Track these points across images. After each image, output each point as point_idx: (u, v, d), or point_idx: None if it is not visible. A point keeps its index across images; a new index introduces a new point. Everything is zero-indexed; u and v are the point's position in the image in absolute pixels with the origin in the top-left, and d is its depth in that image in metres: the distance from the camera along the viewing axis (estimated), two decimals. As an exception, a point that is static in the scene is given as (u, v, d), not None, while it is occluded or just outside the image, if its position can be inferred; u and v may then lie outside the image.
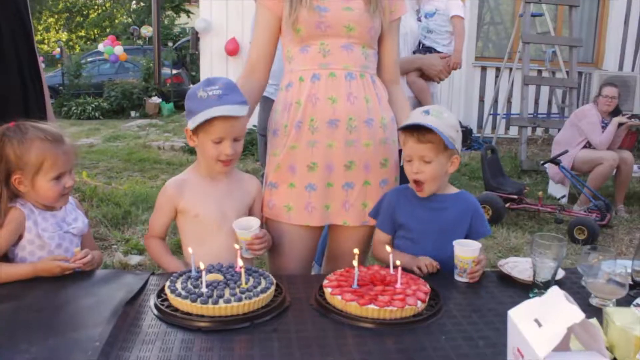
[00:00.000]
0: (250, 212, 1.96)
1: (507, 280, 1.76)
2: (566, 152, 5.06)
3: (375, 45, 2.00)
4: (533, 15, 7.91)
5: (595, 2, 9.10)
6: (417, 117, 1.80)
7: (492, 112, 8.49)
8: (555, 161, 4.97)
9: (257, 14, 2.00)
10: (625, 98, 8.18)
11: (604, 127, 5.33)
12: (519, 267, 1.83)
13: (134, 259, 3.70)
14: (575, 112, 5.66)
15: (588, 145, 5.37)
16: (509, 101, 8.42)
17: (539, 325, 0.99)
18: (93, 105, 12.53)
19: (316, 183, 1.93)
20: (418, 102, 2.93)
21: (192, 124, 1.77)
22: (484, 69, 8.76)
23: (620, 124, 5.30)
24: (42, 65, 2.10)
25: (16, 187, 1.67)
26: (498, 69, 8.54)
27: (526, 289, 1.66)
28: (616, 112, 5.42)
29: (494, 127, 8.52)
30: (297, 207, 1.94)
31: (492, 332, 1.38)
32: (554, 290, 1.03)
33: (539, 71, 8.52)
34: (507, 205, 4.87)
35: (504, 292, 1.67)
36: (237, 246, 1.66)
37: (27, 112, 1.87)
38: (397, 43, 2.09)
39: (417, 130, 1.76)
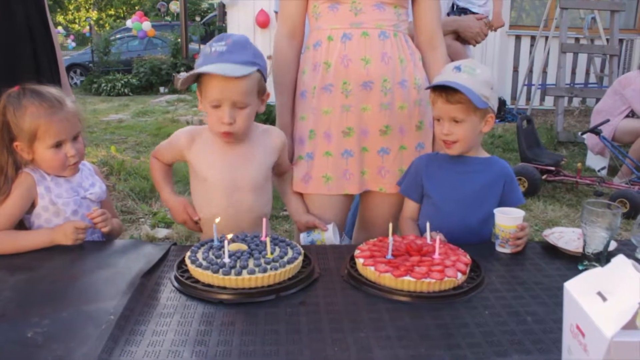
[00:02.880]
0: (276, 169, 1.84)
1: (553, 251, 1.62)
2: (607, 121, 4.82)
3: (406, 4, 1.86)
4: (571, -20, 7.58)
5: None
6: (447, 74, 1.67)
7: (526, 83, 8.19)
8: (595, 131, 4.74)
9: None
10: (669, 66, 7.82)
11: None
12: (565, 237, 1.69)
13: (161, 232, 3.64)
14: (619, 79, 5.39)
15: (631, 114, 5.12)
16: (544, 71, 8.11)
17: (604, 299, 0.86)
18: (122, 82, 12.54)
19: (352, 149, 1.83)
20: None
21: (185, 82, 1.62)
22: (518, 37, 8.44)
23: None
24: (56, 37, 2.00)
25: (19, 154, 1.60)
26: (533, 38, 8.21)
27: (575, 261, 1.53)
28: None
29: (528, 98, 8.24)
30: (336, 176, 1.85)
31: (540, 306, 1.26)
32: (620, 258, 0.90)
33: (577, 39, 8.18)
34: (543, 177, 4.68)
35: (551, 264, 1.53)
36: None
37: (39, 81, 1.79)
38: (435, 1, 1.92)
39: (445, 89, 1.62)
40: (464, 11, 2.85)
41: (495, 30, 2.89)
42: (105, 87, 12.49)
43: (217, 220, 1.48)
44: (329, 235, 1.81)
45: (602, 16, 7.65)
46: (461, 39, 2.73)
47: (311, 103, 1.84)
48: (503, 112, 7.96)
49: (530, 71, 8.17)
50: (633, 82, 5.11)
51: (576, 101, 8.42)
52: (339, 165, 1.85)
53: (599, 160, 5.45)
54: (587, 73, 8.47)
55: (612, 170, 5.29)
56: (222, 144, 1.70)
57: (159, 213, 3.97)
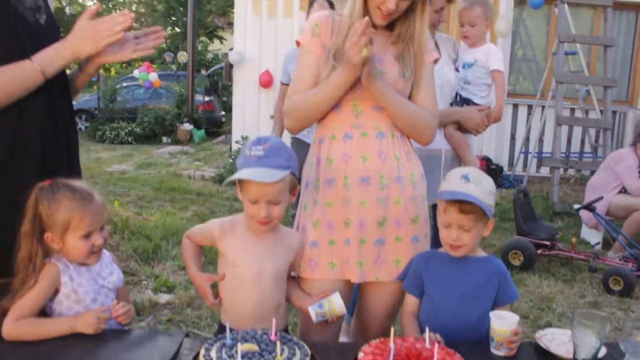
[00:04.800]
0: (291, 269, 1.98)
1: (545, 354, 1.71)
2: (601, 198, 4.96)
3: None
4: (567, 54, 7.86)
5: (630, 39, 8.99)
6: (456, 184, 1.80)
7: (523, 151, 8.39)
8: (589, 207, 4.88)
9: (303, 58, 2.00)
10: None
11: (641, 172, 5.23)
12: (557, 339, 1.78)
13: (163, 297, 3.71)
14: (612, 155, 5.57)
15: (624, 190, 5.26)
16: (540, 139, 8.32)
17: None
18: (126, 130, 12.77)
19: (351, 239, 1.94)
20: (456, 155, 2.90)
21: (227, 182, 1.82)
22: (515, 106, 8.69)
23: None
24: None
25: (49, 244, 1.70)
26: (530, 106, 8.47)
27: (566, 366, 1.62)
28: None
29: (525, 165, 8.42)
30: (340, 263, 1.96)
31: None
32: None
33: (572, 109, 8.43)
34: (539, 251, 4.78)
35: (543, 368, 1.62)
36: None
37: (70, 165, 1.90)
38: (432, 89, 2.04)
39: (459, 200, 1.76)
40: (466, 102, 2.99)
41: (494, 121, 3.03)
42: (109, 135, 12.71)
43: (228, 325, 1.58)
44: (338, 302, 1.89)
45: (596, 90, 7.90)
46: (463, 129, 2.87)
47: (314, 195, 1.97)
48: (500, 179, 8.13)
49: (527, 139, 8.39)
50: (625, 158, 5.28)
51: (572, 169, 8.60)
52: (341, 253, 1.96)
53: (594, 234, 5.57)
54: (583, 142, 8.67)
55: (607, 243, 5.39)
56: (252, 235, 1.87)
57: (161, 276, 4.04)
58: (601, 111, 7.41)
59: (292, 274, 2.02)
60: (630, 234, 5.04)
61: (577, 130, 8.63)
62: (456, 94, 2.98)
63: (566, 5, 7.55)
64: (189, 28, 12.87)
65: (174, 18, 26.75)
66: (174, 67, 18.56)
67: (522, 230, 4.86)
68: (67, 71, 1.90)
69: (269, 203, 1.79)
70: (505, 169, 8.50)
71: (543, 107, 8.11)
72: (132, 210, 6.02)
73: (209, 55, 25.41)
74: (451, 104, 2.93)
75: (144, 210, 6.20)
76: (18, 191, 1.65)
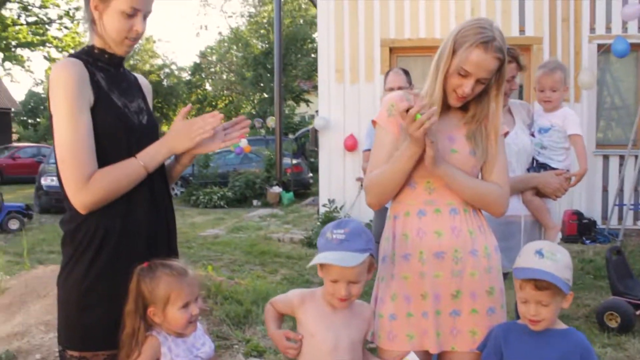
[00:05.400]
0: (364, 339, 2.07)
1: None
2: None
3: (478, 175, 2.10)
4: (658, 101, 7.61)
5: None
6: (531, 260, 1.87)
7: (617, 203, 8.05)
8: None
9: (379, 136, 2.12)
10: None
11: None
12: None
13: (254, 362, 3.87)
14: None
15: None
16: (636, 190, 7.96)
17: None
18: (219, 195, 13.40)
19: (428, 311, 2.02)
20: (535, 220, 2.90)
21: (311, 266, 1.94)
22: (606, 157, 8.41)
23: None
24: None
25: (152, 318, 1.90)
26: (622, 157, 8.16)
27: None
28: None
29: (620, 218, 8.05)
30: (418, 334, 2.03)
31: None
32: None
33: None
34: (637, 312, 4.56)
35: None
36: None
37: (169, 246, 2.11)
38: (503, 163, 2.11)
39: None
40: (543, 167, 2.98)
41: (573, 185, 2.98)
42: (203, 200, 13.36)
43: None
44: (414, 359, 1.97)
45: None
46: (541, 194, 2.88)
47: (391, 269, 2.07)
48: (594, 233, 7.84)
49: (621, 190, 8.05)
50: None
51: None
52: (419, 325, 2.03)
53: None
54: (684, 191, 8.21)
55: None
56: (328, 307, 1.99)
57: (252, 340, 4.21)
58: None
59: (369, 345, 2.12)
60: None
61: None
62: (533, 159, 2.99)
63: (653, 52, 7.37)
64: (275, 94, 13.52)
65: (262, 84, 28.11)
66: (262, 131, 19.41)
67: (618, 290, 4.66)
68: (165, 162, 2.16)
69: (349, 283, 1.91)
70: (599, 222, 8.17)
71: (636, 156, 7.80)
72: (225, 274, 6.30)
73: (296, 119, 26.33)
74: (528, 170, 2.95)
75: (235, 274, 6.47)
76: (128, 271, 1.88)
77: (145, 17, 1.95)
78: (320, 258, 1.90)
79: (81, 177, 1.81)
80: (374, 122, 2.15)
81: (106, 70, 1.96)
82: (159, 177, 2.06)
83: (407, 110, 1.86)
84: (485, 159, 2.07)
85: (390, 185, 2.05)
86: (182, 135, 1.97)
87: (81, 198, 1.82)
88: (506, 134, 2.17)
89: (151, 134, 2.06)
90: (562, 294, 1.85)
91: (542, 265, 1.83)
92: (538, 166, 2.98)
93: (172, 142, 1.98)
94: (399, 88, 3.86)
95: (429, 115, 1.83)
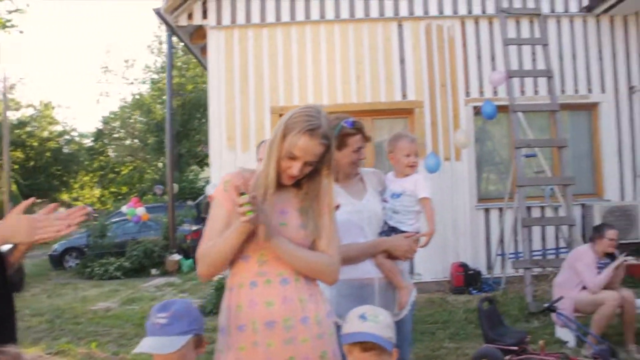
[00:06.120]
0: None
1: None
2: (561, 298, 5.07)
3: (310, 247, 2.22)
4: (527, 156, 8.25)
5: (587, 134, 9.41)
6: (356, 325, 2.02)
7: (499, 253, 8.55)
8: (550, 308, 4.97)
9: (215, 210, 2.20)
10: (629, 228, 8.25)
11: (600, 267, 5.35)
12: None
13: None
14: (572, 252, 5.73)
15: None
16: (515, 240, 8.50)
17: None
18: (115, 265, 12.92)
19: None
20: (389, 282, 3.02)
21: (135, 350, 1.94)
22: (487, 210, 8.93)
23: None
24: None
25: None
26: (501, 209, 8.71)
27: None
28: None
29: (503, 267, 8.53)
30: None
31: None
32: None
33: (542, 207, 8.69)
34: (507, 357, 4.80)
35: None
36: None
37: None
38: (333, 234, 2.25)
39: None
40: (394, 230, 3.08)
41: (423, 246, 3.15)
42: (98, 271, 12.83)
43: None
44: None
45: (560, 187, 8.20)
46: (393, 257, 3.01)
47: (228, 340, 2.13)
48: (480, 282, 8.23)
49: (502, 241, 8.57)
50: (583, 256, 5.43)
51: (550, 266, 8.69)
52: None
53: (567, 332, 5.60)
54: (557, 237, 8.82)
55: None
56: None
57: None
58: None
59: None
60: (599, 328, 5.10)
61: (551, 227, 8.83)
62: (385, 223, 3.14)
63: (519, 113, 8.04)
64: (167, 161, 13.41)
65: (164, 150, 27.71)
66: (166, 197, 19.03)
67: (489, 337, 4.91)
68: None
69: None
70: (484, 272, 8.59)
71: (512, 208, 8.37)
72: (111, 350, 6.05)
73: (201, 183, 26.10)
74: (380, 234, 3.09)
75: (123, 349, 6.22)
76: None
77: None
78: (141, 346, 1.90)
79: None
80: (210, 197, 2.24)
81: None
82: None
83: (242, 193, 1.99)
84: (317, 232, 2.20)
85: (220, 258, 2.12)
86: (22, 230, 1.95)
87: None
88: (337, 207, 2.31)
89: None
90: (387, 352, 1.99)
91: (366, 328, 1.99)
92: (389, 230, 3.10)
93: (9, 234, 1.96)
94: None
95: (246, 209, 1.96)
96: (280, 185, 2.18)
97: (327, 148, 2.14)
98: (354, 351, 2.00)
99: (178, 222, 14.32)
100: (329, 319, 2.19)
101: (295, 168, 2.11)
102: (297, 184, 2.21)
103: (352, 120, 2.92)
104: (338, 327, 2.25)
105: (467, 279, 8.22)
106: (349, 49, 8.98)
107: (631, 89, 9.18)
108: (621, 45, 9.22)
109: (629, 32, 9.25)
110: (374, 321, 2.00)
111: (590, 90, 9.19)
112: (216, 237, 2.14)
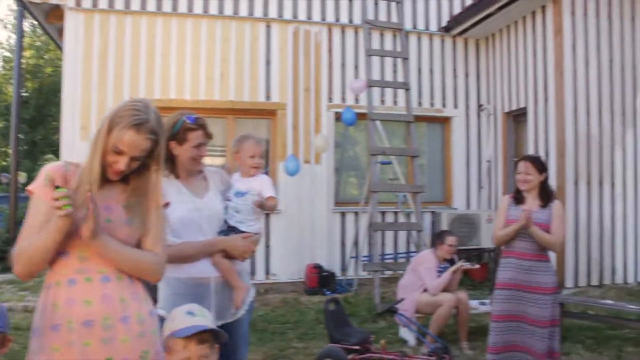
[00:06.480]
0: None
1: None
2: (402, 300, 5.35)
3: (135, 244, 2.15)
4: (383, 164, 8.64)
5: (440, 146, 10.05)
6: (186, 320, 2.04)
7: (353, 255, 8.86)
8: (391, 310, 5.22)
9: (34, 206, 2.07)
10: (472, 235, 8.91)
11: (440, 271, 5.74)
12: None
13: None
14: (415, 257, 6.10)
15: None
16: (369, 243, 8.85)
17: None
18: (-51, 262, 11.69)
19: None
20: (226, 282, 3.00)
21: None
22: (343, 214, 9.22)
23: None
24: None
25: None
26: (357, 213, 9.03)
27: None
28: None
29: (356, 269, 8.85)
30: None
31: None
32: None
33: (396, 213, 9.14)
34: (350, 356, 4.97)
35: None
36: None
37: None
38: (160, 231, 2.20)
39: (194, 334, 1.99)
40: (233, 230, 3.08)
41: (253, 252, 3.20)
42: None
43: None
44: None
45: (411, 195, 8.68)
46: (231, 256, 3.00)
47: (41, 342, 2.00)
48: (333, 284, 8.47)
49: (356, 244, 8.88)
50: (425, 260, 5.79)
51: (400, 269, 9.16)
52: None
53: (409, 332, 5.92)
54: (408, 242, 9.31)
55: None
56: None
57: None
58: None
59: None
60: (437, 327, 5.45)
61: (403, 232, 9.31)
62: (224, 222, 3.11)
63: (377, 122, 8.40)
64: (12, 147, 12.44)
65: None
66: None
67: (333, 337, 5.05)
68: None
69: None
70: (338, 274, 8.86)
71: (367, 212, 8.71)
72: None
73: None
74: (219, 233, 3.06)
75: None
76: None
77: None
78: None
79: None
80: (29, 192, 2.09)
81: None
82: None
83: (57, 187, 1.88)
84: (143, 229, 2.14)
85: (37, 256, 2.00)
86: None
87: None
88: (167, 204, 2.26)
89: None
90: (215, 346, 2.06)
91: (199, 322, 2.02)
92: (228, 229, 3.09)
93: None
94: None
95: (62, 204, 1.88)
96: (106, 181, 2.10)
97: (156, 143, 2.09)
98: (189, 345, 2.01)
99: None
100: (152, 317, 2.13)
101: (121, 163, 2.04)
102: (125, 179, 2.14)
103: (195, 116, 2.91)
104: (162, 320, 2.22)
105: (322, 280, 8.43)
106: (216, 46, 8.88)
107: (480, 107, 9.93)
108: (473, 66, 9.97)
109: (480, 54, 10.02)
110: (203, 316, 2.04)
111: (444, 105, 9.83)
112: (35, 234, 2.01)
